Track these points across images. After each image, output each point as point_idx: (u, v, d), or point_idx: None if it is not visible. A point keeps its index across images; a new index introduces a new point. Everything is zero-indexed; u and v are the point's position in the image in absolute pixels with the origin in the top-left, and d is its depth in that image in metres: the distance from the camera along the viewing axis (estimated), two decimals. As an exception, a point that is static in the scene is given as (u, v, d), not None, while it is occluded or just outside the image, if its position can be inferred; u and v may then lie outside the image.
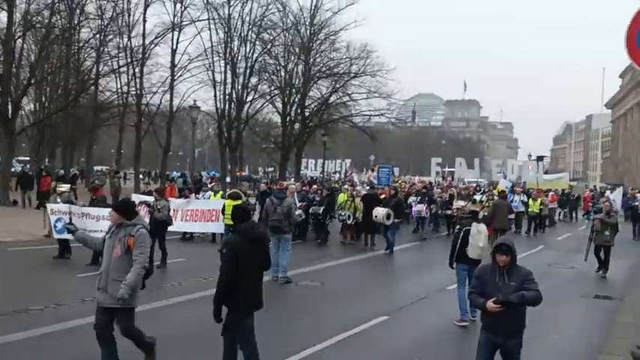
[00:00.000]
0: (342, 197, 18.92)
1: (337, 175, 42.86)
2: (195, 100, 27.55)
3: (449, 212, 20.66)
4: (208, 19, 33.37)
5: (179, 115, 39.20)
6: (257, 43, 35.16)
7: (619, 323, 9.13)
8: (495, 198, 22.07)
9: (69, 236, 11.16)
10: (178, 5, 33.62)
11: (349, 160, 50.72)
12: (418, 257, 16.90)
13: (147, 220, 12.34)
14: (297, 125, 37.99)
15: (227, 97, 34.28)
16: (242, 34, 34.12)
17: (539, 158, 41.80)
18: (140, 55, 33.34)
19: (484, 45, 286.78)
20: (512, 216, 21.82)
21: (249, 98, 35.42)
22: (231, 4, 34.19)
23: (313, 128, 37.27)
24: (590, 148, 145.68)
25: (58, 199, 13.72)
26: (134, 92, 33.55)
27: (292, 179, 39.80)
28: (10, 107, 25.30)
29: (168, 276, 11.68)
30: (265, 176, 45.56)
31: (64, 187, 14.77)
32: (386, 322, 8.70)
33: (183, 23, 33.56)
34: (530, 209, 23.31)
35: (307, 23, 36.21)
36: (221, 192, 18.72)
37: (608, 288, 12.53)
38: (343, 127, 41.39)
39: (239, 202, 15.97)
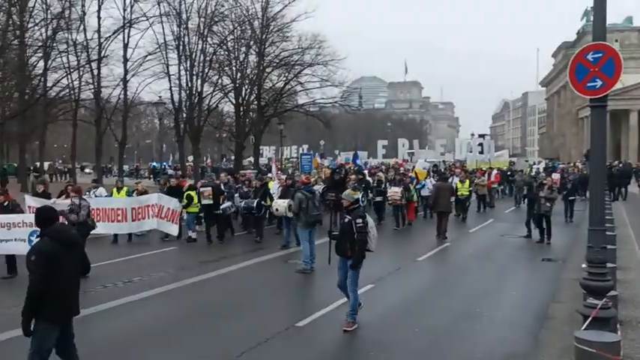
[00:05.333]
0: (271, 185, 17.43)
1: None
2: (160, 96, 28.10)
3: (379, 199, 19.54)
4: (160, 14, 33.69)
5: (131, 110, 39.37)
6: (210, 36, 35.73)
7: (564, 279, 10.97)
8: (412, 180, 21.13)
9: None
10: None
11: (306, 146, 51.54)
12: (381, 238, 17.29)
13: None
14: (251, 114, 38.82)
15: (186, 90, 34.86)
16: (200, 28, 34.62)
17: (481, 136, 43.00)
18: (93, 50, 33.52)
19: (425, 30, 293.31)
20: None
21: (208, 90, 36.14)
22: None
23: (269, 117, 38.34)
24: (527, 124, 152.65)
25: None
26: (91, 89, 33.74)
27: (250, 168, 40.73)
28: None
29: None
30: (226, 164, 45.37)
31: None
32: (373, 289, 10.16)
33: (138, 19, 33.85)
34: (458, 192, 20.60)
35: (260, 16, 37.01)
36: (126, 188, 17.41)
37: (551, 252, 14.48)
38: (296, 114, 42.44)
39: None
